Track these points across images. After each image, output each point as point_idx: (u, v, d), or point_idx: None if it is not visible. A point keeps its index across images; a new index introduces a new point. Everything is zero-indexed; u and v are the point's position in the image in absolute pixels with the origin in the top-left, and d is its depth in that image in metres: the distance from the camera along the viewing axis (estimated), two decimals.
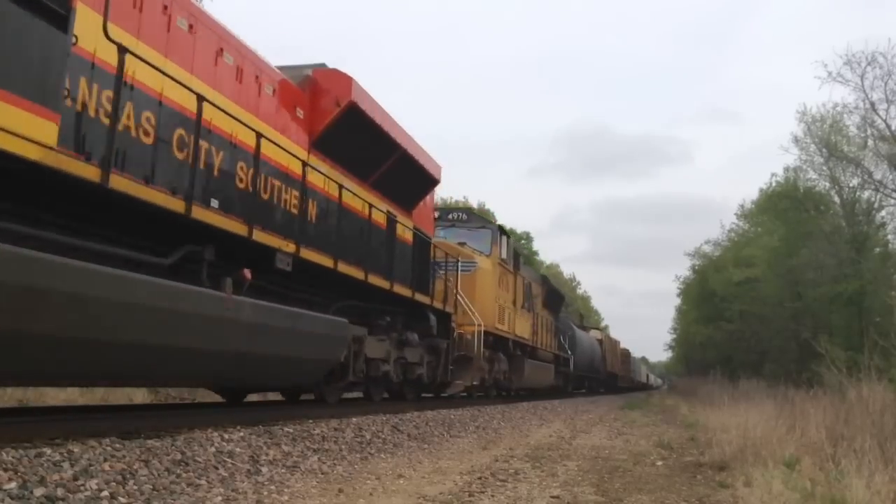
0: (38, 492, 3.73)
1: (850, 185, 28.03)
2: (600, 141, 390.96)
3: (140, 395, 12.63)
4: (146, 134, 5.95)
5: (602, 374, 38.30)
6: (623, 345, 53.60)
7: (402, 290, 11.15)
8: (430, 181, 12.85)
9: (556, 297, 27.15)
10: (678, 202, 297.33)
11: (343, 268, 9.01)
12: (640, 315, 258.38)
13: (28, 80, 4.42)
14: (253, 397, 11.44)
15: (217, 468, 5.14)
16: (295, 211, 8.25)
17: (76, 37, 4.93)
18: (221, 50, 7.14)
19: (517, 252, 20.61)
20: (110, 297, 5.10)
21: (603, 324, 79.61)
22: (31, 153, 4.49)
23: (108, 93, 5.39)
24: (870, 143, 25.91)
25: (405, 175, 11.51)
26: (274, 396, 12.56)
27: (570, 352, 27.72)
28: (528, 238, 55.84)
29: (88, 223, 5.46)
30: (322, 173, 8.88)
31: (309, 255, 8.20)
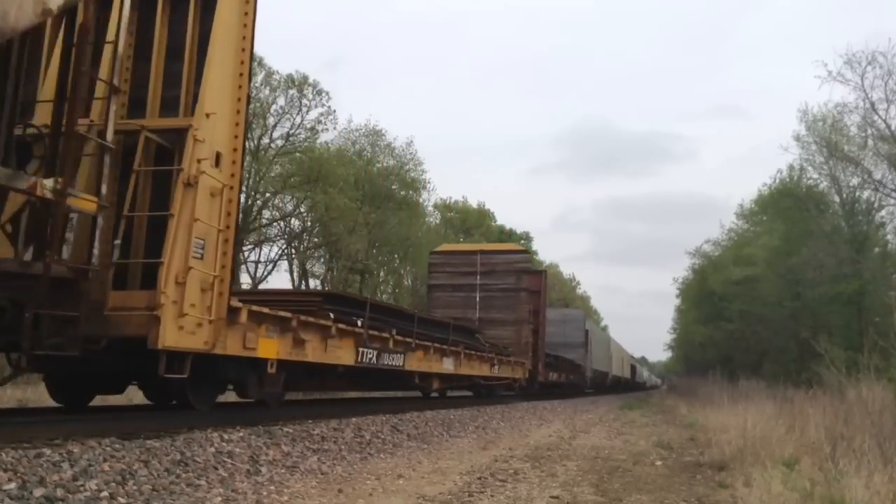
0: (38, 492, 3.73)
1: (850, 184, 28.08)
2: (603, 139, 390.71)
3: (139, 396, 12.60)
4: None
5: None
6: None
7: None
8: None
9: None
10: (682, 201, 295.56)
11: None
12: (641, 315, 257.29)
13: None
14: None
15: (217, 468, 5.15)
16: None
17: None
18: None
19: None
20: None
21: (603, 323, 75.01)
22: None
23: None
24: (870, 142, 25.94)
25: None
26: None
27: None
28: (527, 238, 55.86)
29: None
30: None
31: None
